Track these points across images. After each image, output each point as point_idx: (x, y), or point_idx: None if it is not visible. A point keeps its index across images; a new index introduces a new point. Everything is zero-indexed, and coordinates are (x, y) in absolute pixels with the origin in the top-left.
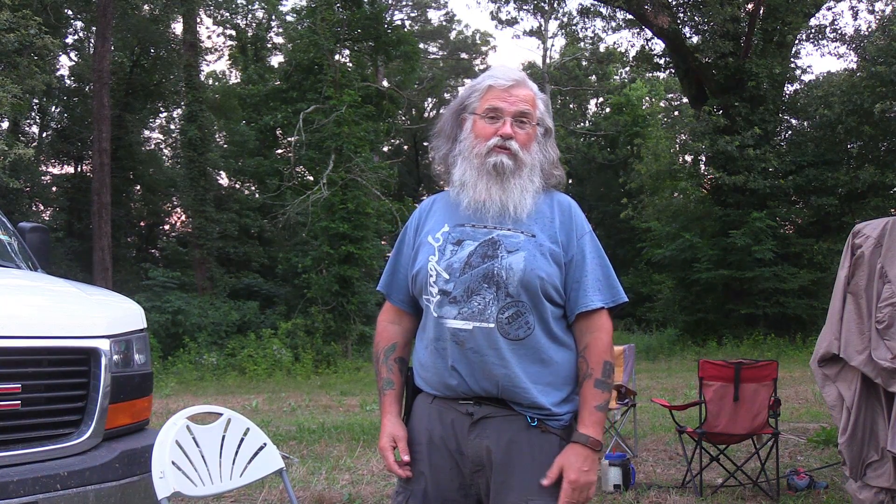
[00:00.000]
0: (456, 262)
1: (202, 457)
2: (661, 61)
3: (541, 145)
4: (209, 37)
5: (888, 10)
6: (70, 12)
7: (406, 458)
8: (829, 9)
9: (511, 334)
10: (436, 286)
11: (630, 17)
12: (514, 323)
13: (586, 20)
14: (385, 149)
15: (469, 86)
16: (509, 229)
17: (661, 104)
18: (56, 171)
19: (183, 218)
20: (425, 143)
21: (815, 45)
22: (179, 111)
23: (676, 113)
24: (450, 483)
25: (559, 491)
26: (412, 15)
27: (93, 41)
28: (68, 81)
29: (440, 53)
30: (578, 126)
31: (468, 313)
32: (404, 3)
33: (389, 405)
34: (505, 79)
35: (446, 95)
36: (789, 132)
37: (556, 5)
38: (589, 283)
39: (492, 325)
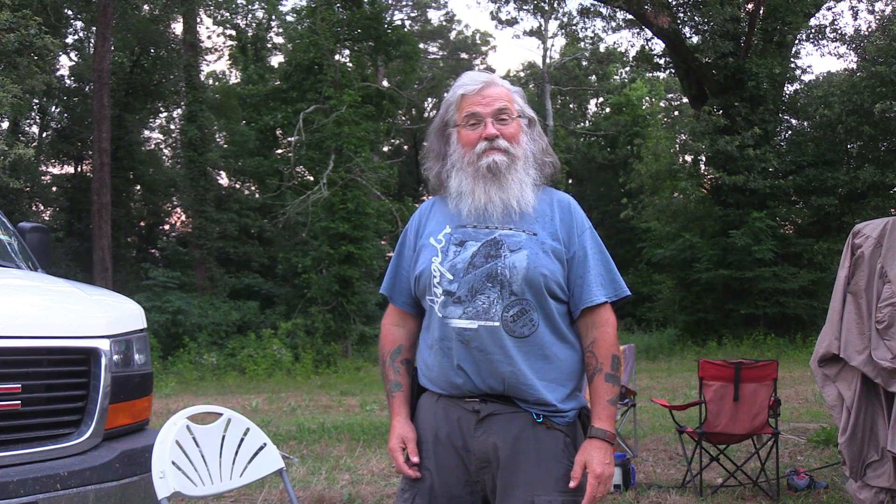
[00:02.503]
0: (459, 262)
1: (202, 457)
2: (661, 61)
3: (528, 136)
4: (209, 37)
5: (888, 10)
6: (70, 12)
7: (415, 459)
8: (829, 9)
9: (516, 332)
10: (440, 287)
11: (630, 17)
12: (519, 321)
13: (586, 20)
14: (385, 149)
15: (444, 101)
16: (511, 229)
17: (661, 104)
18: (56, 171)
19: (183, 218)
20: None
21: (815, 45)
22: (179, 111)
23: (676, 113)
24: (456, 480)
25: (565, 486)
26: (412, 15)
27: (93, 41)
28: (68, 81)
29: (440, 53)
30: (578, 126)
31: (473, 312)
32: (404, 3)
33: (398, 407)
34: (473, 83)
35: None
36: (789, 132)
37: (556, 5)
38: (592, 278)
39: (497, 324)
